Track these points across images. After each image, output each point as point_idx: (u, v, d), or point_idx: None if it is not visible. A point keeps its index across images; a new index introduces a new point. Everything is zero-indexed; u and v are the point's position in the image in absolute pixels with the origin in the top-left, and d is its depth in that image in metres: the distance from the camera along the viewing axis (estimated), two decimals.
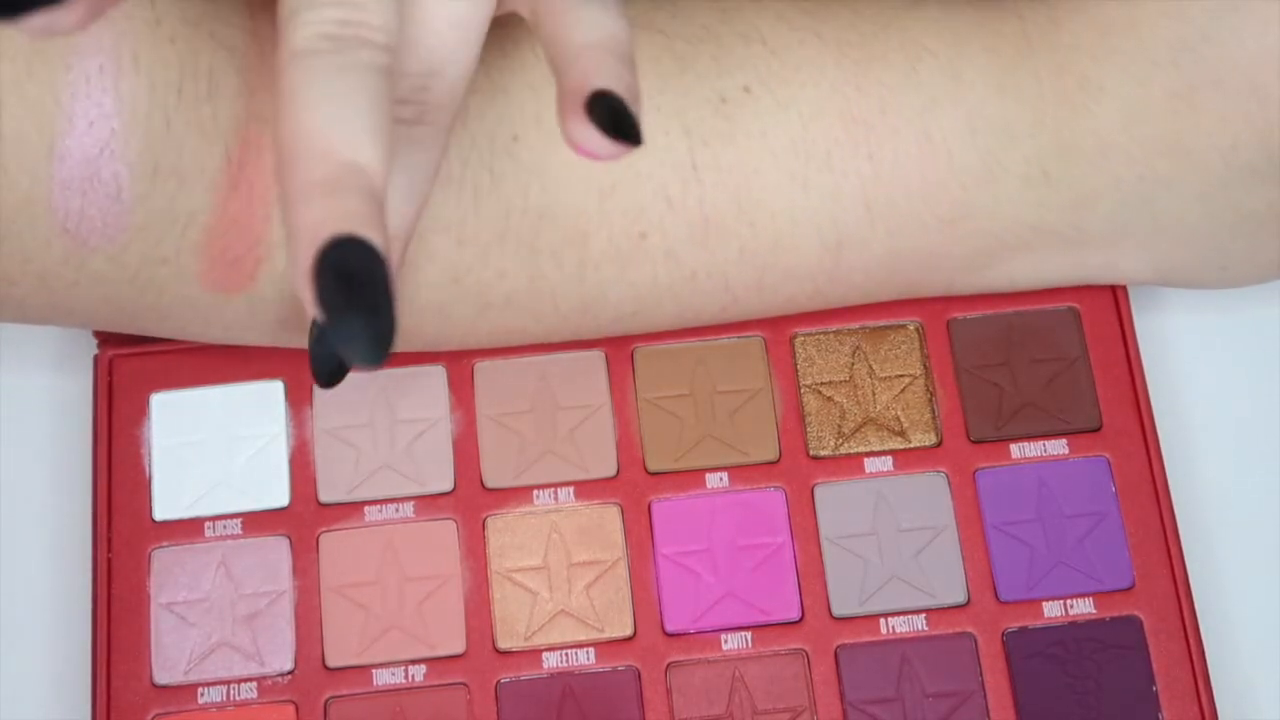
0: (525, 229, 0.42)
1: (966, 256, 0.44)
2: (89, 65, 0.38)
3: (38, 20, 0.31)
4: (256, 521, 0.45)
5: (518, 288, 0.43)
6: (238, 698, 0.44)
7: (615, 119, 0.35)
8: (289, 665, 0.44)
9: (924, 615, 0.44)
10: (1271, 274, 0.46)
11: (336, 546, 0.45)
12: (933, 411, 0.46)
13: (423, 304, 0.43)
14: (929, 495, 0.46)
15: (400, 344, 0.44)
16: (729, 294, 0.44)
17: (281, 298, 0.42)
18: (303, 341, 0.44)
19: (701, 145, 0.42)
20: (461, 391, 0.46)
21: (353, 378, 0.46)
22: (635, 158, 0.42)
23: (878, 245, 0.43)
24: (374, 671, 0.44)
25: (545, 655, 0.44)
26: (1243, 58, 0.42)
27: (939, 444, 0.46)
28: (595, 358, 0.47)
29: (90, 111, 0.38)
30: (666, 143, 0.42)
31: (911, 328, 0.47)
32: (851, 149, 0.43)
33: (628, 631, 0.44)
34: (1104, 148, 0.43)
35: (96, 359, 0.46)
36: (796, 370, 0.47)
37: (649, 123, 0.42)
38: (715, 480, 0.46)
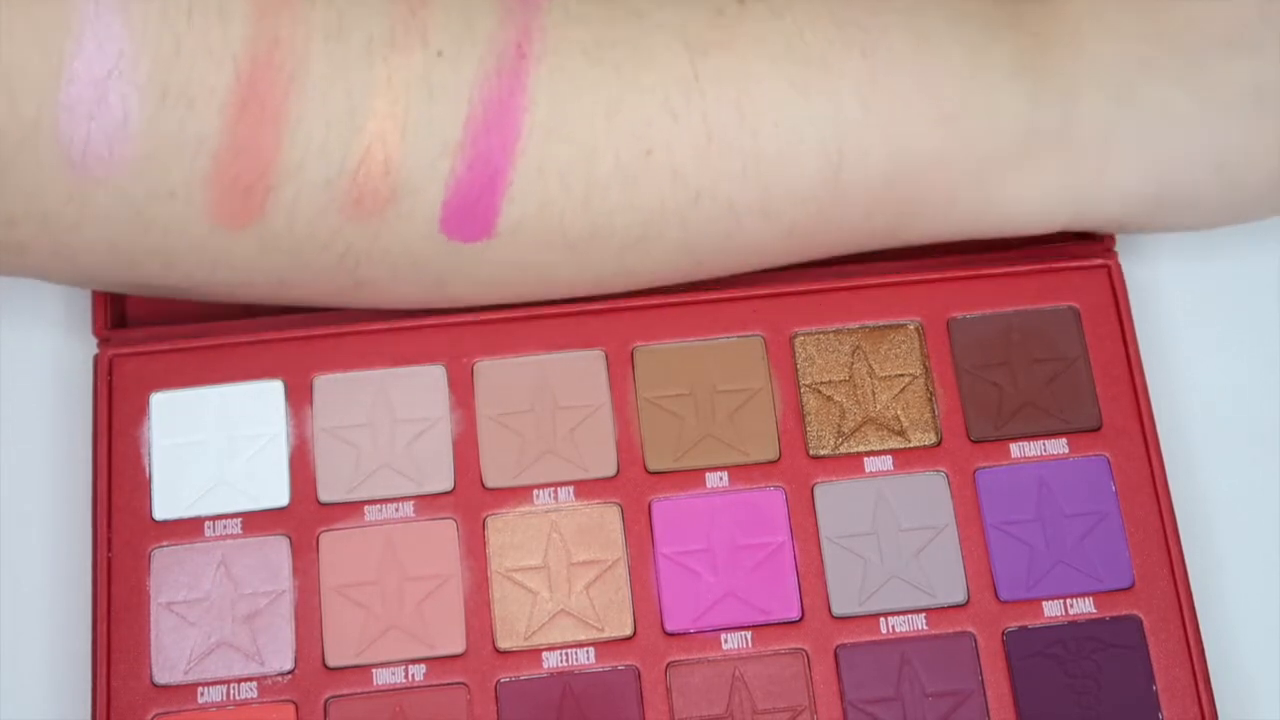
0: (532, 147, 0.42)
1: (964, 165, 0.44)
2: None
3: None
4: (256, 521, 0.45)
5: (526, 212, 0.43)
6: (238, 697, 0.44)
7: None
8: (289, 665, 0.44)
9: (924, 615, 0.44)
10: (1272, 168, 0.46)
11: (336, 546, 0.45)
12: (933, 411, 0.46)
13: (430, 233, 0.42)
14: (929, 495, 0.46)
15: (412, 279, 0.44)
16: (733, 217, 0.44)
17: (291, 231, 0.42)
18: (307, 296, 0.44)
19: (701, 55, 0.43)
20: (461, 391, 0.46)
21: (352, 378, 0.46)
22: (639, 71, 0.42)
23: (877, 152, 0.44)
24: (374, 671, 0.44)
25: (545, 655, 0.44)
26: None
27: (939, 443, 0.46)
28: (595, 357, 0.47)
29: (99, 34, 0.38)
30: (668, 56, 0.43)
31: (911, 327, 0.47)
32: (844, 48, 0.43)
33: (628, 631, 0.44)
34: (1078, 35, 0.44)
35: (96, 359, 0.46)
36: (796, 370, 0.47)
37: (651, 38, 0.43)
38: (715, 480, 0.46)
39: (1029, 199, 0.45)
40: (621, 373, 0.47)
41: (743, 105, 0.43)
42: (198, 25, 0.39)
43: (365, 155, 0.41)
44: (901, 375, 0.47)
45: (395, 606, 0.44)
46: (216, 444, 0.46)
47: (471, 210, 0.42)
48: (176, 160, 0.40)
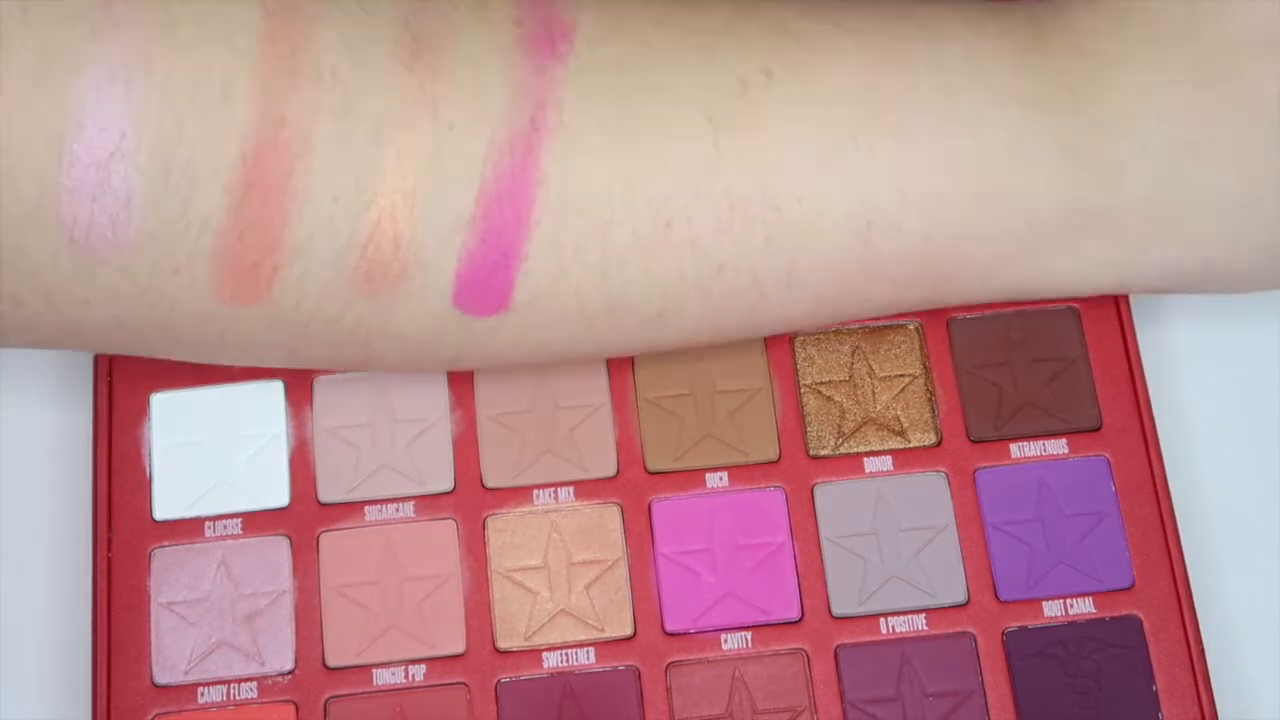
0: (546, 220, 0.41)
1: (1001, 240, 0.43)
2: (100, 71, 0.38)
3: None
4: (256, 521, 0.45)
5: (541, 286, 0.42)
6: (238, 698, 0.44)
7: None
8: (289, 665, 0.44)
9: (924, 615, 0.44)
10: None
11: (336, 546, 0.45)
12: (933, 411, 0.46)
13: (443, 308, 0.42)
14: (929, 495, 0.45)
15: (425, 354, 0.43)
16: (757, 290, 0.43)
17: (300, 308, 0.41)
18: (319, 365, 0.44)
19: (725, 128, 0.42)
20: (461, 391, 0.46)
21: (352, 378, 0.46)
22: (658, 144, 0.42)
23: (909, 226, 0.43)
24: (374, 671, 0.44)
25: (545, 655, 0.44)
26: (1257, 17, 0.42)
27: (939, 443, 0.46)
28: None
29: (101, 117, 0.38)
30: (689, 129, 0.42)
31: (911, 327, 0.47)
32: (876, 127, 0.42)
33: (628, 631, 0.44)
34: (1128, 117, 0.43)
35: (96, 359, 0.46)
36: (796, 370, 0.47)
37: (671, 112, 0.42)
38: (715, 480, 0.46)
39: (1067, 271, 0.45)
40: (621, 373, 0.47)
41: (767, 180, 0.42)
42: (201, 105, 0.39)
43: (374, 230, 0.40)
44: (901, 375, 0.47)
45: (395, 606, 0.44)
46: (216, 444, 0.46)
47: (485, 284, 0.41)
48: (181, 240, 0.39)
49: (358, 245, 0.40)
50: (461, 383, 0.46)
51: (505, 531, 0.45)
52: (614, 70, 0.42)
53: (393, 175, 0.40)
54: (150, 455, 0.46)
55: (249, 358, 0.43)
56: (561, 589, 0.45)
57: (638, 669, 0.44)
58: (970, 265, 0.44)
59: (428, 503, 0.45)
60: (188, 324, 0.41)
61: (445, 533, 0.45)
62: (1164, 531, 0.45)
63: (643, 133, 0.41)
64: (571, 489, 0.46)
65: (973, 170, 0.43)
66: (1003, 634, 0.44)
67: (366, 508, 0.45)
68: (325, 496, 0.45)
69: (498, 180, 0.41)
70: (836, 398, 0.47)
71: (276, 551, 0.45)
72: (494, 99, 0.41)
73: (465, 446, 0.46)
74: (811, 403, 0.47)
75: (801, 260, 0.43)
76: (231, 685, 0.44)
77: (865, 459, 0.46)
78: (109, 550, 0.45)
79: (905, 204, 0.43)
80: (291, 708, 0.44)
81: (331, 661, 0.44)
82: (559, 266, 0.42)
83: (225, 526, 0.45)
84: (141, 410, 0.46)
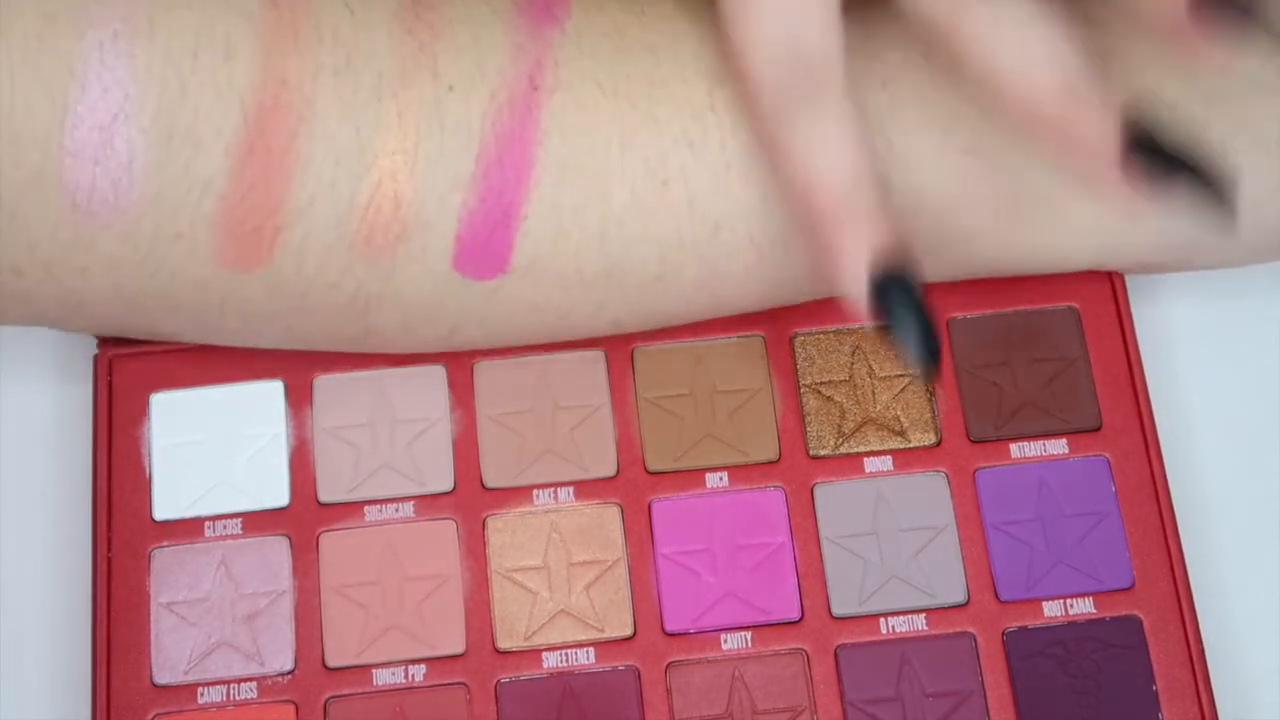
0: (545, 180, 0.41)
1: (987, 200, 0.44)
2: (103, 32, 0.38)
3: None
4: (256, 521, 0.45)
5: (540, 248, 0.42)
6: (238, 698, 0.44)
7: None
8: (289, 665, 0.44)
9: (924, 615, 0.44)
10: None
11: (336, 546, 0.45)
12: (932, 411, 0.46)
13: (443, 270, 0.42)
14: (929, 495, 0.46)
15: (424, 322, 0.43)
16: (754, 250, 0.43)
17: (300, 273, 0.42)
18: (317, 342, 0.44)
19: (719, 86, 0.42)
20: (461, 391, 0.46)
21: (352, 378, 0.46)
22: (654, 102, 0.42)
23: (897, 184, 0.43)
24: (374, 671, 0.44)
25: (545, 655, 0.44)
26: None
27: (939, 444, 0.46)
28: (595, 357, 0.47)
29: (104, 78, 0.38)
30: (685, 87, 0.42)
31: None
32: (864, 79, 0.43)
33: (628, 631, 0.44)
34: (1107, 75, 0.43)
35: (96, 359, 0.46)
36: (796, 370, 0.47)
37: (666, 70, 0.42)
38: (715, 480, 0.46)
39: (1054, 237, 0.45)
40: (621, 372, 0.47)
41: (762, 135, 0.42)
42: (204, 66, 0.39)
43: (375, 191, 0.40)
44: (901, 375, 0.47)
45: (395, 606, 0.44)
46: (216, 444, 0.46)
47: (485, 245, 0.42)
48: (182, 203, 0.40)
49: (359, 208, 0.41)
50: (461, 383, 0.46)
51: (505, 532, 0.45)
52: (610, 33, 0.42)
53: (394, 135, 0.40)
54: (150, 455, 0.46)
55: (247, 331, 0.43)
56: (561, 589, 0.45)
57: (637, 669, 0.44)
58: (956, 226, 0.44)
59: (428, 503, 0.45)
60: (187, 292, 0.41)
61: (445, 533, 0.45)
62: (1164, 531, 0.45)
63: (638, 89, 0.42)
64: (571, 489, 0.46)
65: (959, 123, 0.43)
66: (1003, 634, 0.44)
67: (366, 508, 0.45)
68: (325, 496, 0.45)
69: (497, 139, 0.41)
70: (836, 398, 0.47)
71: (276, 551, 0.45)
72: (493, 59, 0.41)
73: (465, 446, 0.46)
74: (811, 403, 0.47)
75: (798, 221, 0.43)
76: (231, 685, 0.44)
77: (865, 459, 0.46)
78: (109, 550, 0.45)
79: (893, 158, 0.43)
80: (291, 708, 0.44)
81: (331, 661, 0.44)
82: (558, 228, 0.42)
83: (225, 526, 0.45)
84: (141, 410, 0.46)
